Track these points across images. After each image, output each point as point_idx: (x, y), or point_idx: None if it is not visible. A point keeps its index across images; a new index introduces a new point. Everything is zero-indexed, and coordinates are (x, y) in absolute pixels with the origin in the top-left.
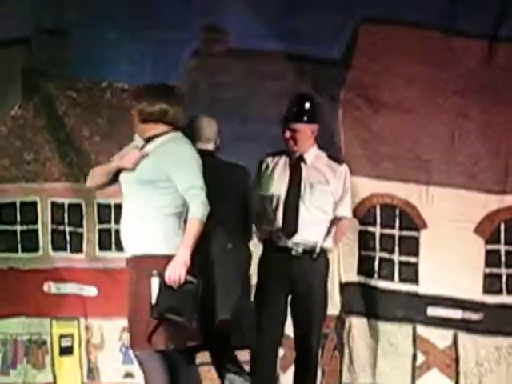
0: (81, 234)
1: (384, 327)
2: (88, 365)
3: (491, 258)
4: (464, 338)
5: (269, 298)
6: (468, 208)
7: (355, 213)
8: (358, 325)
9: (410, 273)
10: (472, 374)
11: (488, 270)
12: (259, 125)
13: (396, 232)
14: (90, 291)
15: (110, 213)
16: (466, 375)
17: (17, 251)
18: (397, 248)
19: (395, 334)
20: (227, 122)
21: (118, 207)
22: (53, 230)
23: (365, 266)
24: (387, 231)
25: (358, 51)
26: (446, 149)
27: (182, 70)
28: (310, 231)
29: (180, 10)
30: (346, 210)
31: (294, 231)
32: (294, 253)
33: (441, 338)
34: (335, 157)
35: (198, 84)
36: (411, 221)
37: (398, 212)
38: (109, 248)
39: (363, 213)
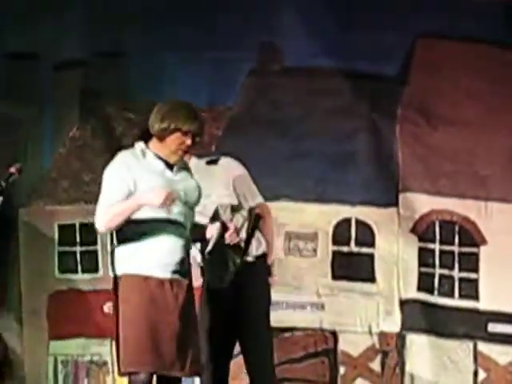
0: None
1: (445, 344)
2: None
3: None
4: None
5: None
6: None
7: (414, 229)
8: (418, 342)
9: (470, 289)
10: None
11: None
12: (315, 142)
13: (455, 248)
14: None
15: None
16: None
17: (77, 272)
18: (456, 264)
19: (456, 350)
20: (283, 140)
21: None
22: (112, 251)
23: (425, 283)
24: (447, 248)
25: (414, 67)
26: (505, 164)
27: (239, 89)
28: None
29: (236, 29)
30: None
31: None
32: None
33: (502, 354)
34: None
35: (255, 103)
36: (471, 237)
37: (457, 228)
38: None
39: (422, 229)
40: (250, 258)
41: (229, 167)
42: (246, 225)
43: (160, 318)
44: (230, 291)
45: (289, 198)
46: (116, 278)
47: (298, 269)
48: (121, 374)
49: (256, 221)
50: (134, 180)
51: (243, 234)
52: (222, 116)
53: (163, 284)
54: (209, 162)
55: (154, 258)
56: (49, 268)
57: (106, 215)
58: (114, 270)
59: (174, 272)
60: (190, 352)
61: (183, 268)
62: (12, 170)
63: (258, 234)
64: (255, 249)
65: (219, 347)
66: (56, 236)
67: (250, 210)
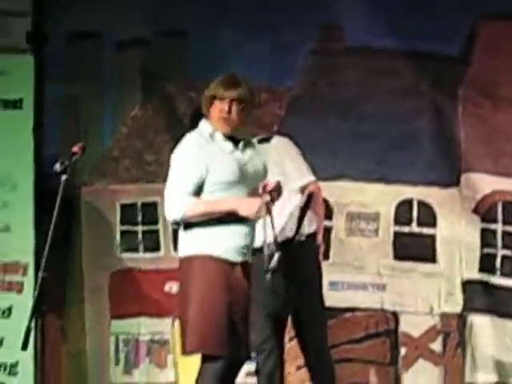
0: None
1: (506, 324)
2: None
3: None
4: None
5: None
6: None
7: (476, 209)
8: (479, 322)
9: None
10: None
11: None
12: (377, 123)
13: None
14: None
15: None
16: None
17: (138, 251)
18: None
19: None
20: (345, 120)
21: None
22: (174, 231)
23: (486, 264)
24: (509, 228)
25: (477, 47)
26: None
27: (300, 69)
28: None
29: (296, 8)
30: None
31: None
32: None
33: None
34: None
35: (316, 83)
36: None
37: None
38: None
39: (485, 210)
40: (301, 237)
41: (280, 145)
42: (297, 203)
43: (230, 300)
44: (282, 269)
45: (350, 179)
46: (184, 259)
47: (359, 249)
48: (185, 353)
49: (308, 199)
50: (205, 163)
51: (295, 213)
52: (282, 96)
53: (235, 266)
54: (261, 141)
55: (226, 240)
56: (110, 247)
57: (185, 207)
58: (182, 250)
59: (244, 254)
60: (250, 334)
61: (250, 251)
62: (75, 149)
63: (309, 212)
64: (307, 227)
65: (274, 328)
66: (118, 215)
67: (302, 189)
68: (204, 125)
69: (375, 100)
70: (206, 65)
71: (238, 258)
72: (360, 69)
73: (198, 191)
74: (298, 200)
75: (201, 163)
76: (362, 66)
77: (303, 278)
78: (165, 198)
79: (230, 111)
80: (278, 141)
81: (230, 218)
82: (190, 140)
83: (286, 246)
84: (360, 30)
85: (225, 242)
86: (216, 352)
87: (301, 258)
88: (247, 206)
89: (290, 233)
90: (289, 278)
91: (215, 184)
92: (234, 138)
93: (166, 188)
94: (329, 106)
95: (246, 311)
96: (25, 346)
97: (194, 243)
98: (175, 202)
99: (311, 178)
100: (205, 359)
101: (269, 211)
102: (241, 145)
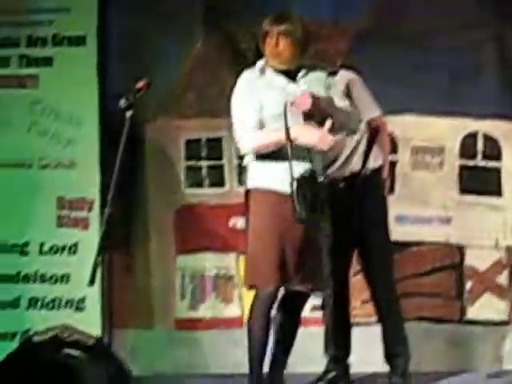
0: None
1: None
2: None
3: None
4: None
5: None
6: None
7: None
8: None
9: None
10: None
11: None
12: (443, 55)
13: None
14: None
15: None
16: None
17: (203, 187)
18: None
19: None
20: (410, 53)
21: None
22: (239, 165)
23: None
24: None
25: None
26: None
27: (364, 2)
28: None
29: None
30: None
31: None
32: None
33: None
34: None
35: (380, 16)
36: None
37: None
38: None
39: None
40: (367, 171)
41: (346, 79)
42: (364, 137)
43: (288, 232)
44: (348, 204)
45: (415, 112)
46: (248, 192)
47: (424, 183)
48: (247, 287)
49: (374, 134)
50: (258, 99)
51: (361, 147)
52: (347, 30)
53: (292, 199)
54: (328, 74)
55: (285, 173)
56: (175, 183)
57: (254, 140)
58: (247, 184)
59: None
60: (314, 267)
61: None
62: (140, 85)
63: (375, 147)
64: (373, 162)
65: (339, 261)
66: (182, 151)
67: (368, 123)
68: (259, 62)
69: (441, 31)
70: (269, 0)
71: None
72: (422, 1)
73: (261, 124)
74: (364, 134)
75: (254, 99)
76: None
77: (369, 213)
78: (234, 136)
79: (277, 45)
80: (343, 74)
81: (292, 149)
82: (243, 78)
83: (351, 180)
84: None
85: (283, 175)
86: (268, 285)
87: (367, 192)
88: (307, 134)
89: (356, 167)
90: (355, 212)
91: (270, 117)
92: (288, 73)
93: (233, 126)
94: (394, 38)
95: (301, 243)
96: (92, 282)
97: (254, 176)
98: (243, 137)
99: (377, 112)
100: (258, 292)
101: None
102: (299, 76)
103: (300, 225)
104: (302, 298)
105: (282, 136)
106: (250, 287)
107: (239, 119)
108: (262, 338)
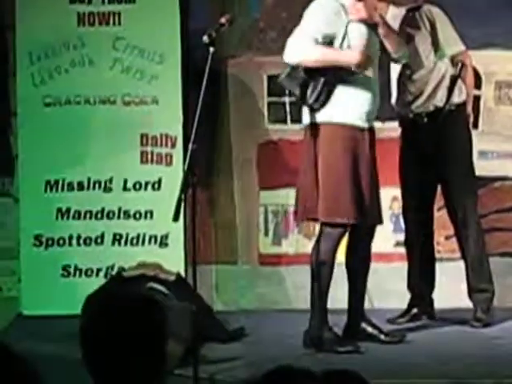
0: None
1: None
2: None
3: None
4: None
5: None
6: None
7: None
8: None
9: None
10: None
11: None
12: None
13: None
14: None
15: None
16: None
17: (286, 123)
18: None
19: None
20: None
21: None
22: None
23: None
24: None
25: None
26: None
27: None
28: None
29: None
30: None
31: None
32: None
33: None
34: None
35: None
36: None
37: None
38: None
39: None
40: (452, 106)
41: (431, 14)
42: (447, 72)
43: (359, 166)
44: (432, 138)
45: (499, 47)
46: (317, 126)
47: (508, 118)
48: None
49: (459, 69)
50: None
51: (446, 82)
52: None
53: (363, 133)
54: (409, 10)
55: (356, 106)
56: (258, 119)
57: (300, 53)
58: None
59: (371, 121)
60: (379, 202)
61: (374, 118)
62: (222, 20)
63: (459, 82)
64: (457, 97)
65: (423, 196)
66: (265, 87)
67: (452, 58)
68: None
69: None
70: None
71: (366, 124)
72: None
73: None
74: (448, 69)
75: (324, 19)
76: None
77: (453, 147)
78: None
79: None
80: (428, 9)
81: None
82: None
83: (436, 114)
84: None
85: (355, 108)
86: (338, 219)
87: (451, 126)
88: (354, 57)
89: (440, 102)
90: (439, 147)
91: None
92: None
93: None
94: None
95: (372, 177)
96: (176, 218)
97: (326, 110)
98: (293, 47)
99: (461, 47)
100: (326, 224)
101: None
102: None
103: (371, 161)
104: (369, 231)
105: (325, 57)
106: (326, 223)
107: (300, 28)
108: (329, 275)
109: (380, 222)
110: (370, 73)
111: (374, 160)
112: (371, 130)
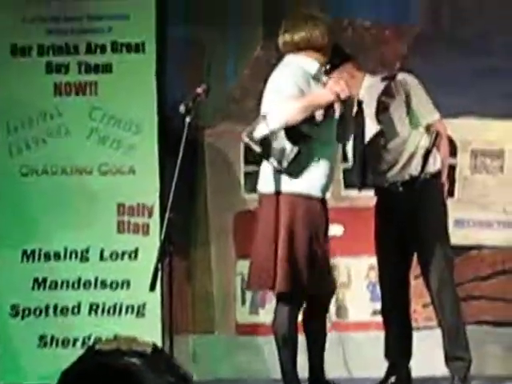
0: None
1: None
2: (336, 303)
3: None
4: None
5: None
6: None
7: None
8: None
9: None
10: None
11: None
12: (502, 58)
13: None
14: (337, 230)
15: None
16: None
17: None
18: None
19: None
20: (469, 57)
21: None
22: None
23: None
24: None
25: None
26: None
27: (423, 5)
28: None
29: None
30: None
31: None
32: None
33: None
34: None
35: (439, 20)
36: None
37: None
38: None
39: None
40: (427, 175)
41: (405, 83)
42: (422, 141)
43: (319, 236)
44: (407, 207)
45: (475, 115)
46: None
47: (484, 186)
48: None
49: (434, 138)
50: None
51: (420, 151)
52: (406, 34)
53: (320, 202)
54: (384, 79)
55: (318, 177)
56: (235, 188)
57: (283, 114)
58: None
59: (324, 192)
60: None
61: (329, 188)
62: (198, 90)
63: (434, 151)
64: (432, 166)
65: (399, 265)
66: (242, 156)
67: (427, 127)
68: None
69: (501, 34)
70: (331, 3)
71: (319, 194)
72: (484, 3)
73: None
74: (423, 138)
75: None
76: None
77: (428, 216)
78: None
79: None
80: (403, 78)
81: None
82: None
83: (411, 184)
84: None
85: (314, 179)
86: (296, 288)
87: (426, 195)
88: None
89: (415, 171)
90: (415, 216)
91: None
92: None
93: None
94: (453, 41)
95: (326, 246)
96: (153, 287)
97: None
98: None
99: (436, 116)
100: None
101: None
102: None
103: (323, 230)
104: (326, 299)
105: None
106: (282, 294)
107: (276, 91)
108: (291, 344)
109: (334, 289)
110: (334, 143)
111: (326, 229)
112: (324, 200)
